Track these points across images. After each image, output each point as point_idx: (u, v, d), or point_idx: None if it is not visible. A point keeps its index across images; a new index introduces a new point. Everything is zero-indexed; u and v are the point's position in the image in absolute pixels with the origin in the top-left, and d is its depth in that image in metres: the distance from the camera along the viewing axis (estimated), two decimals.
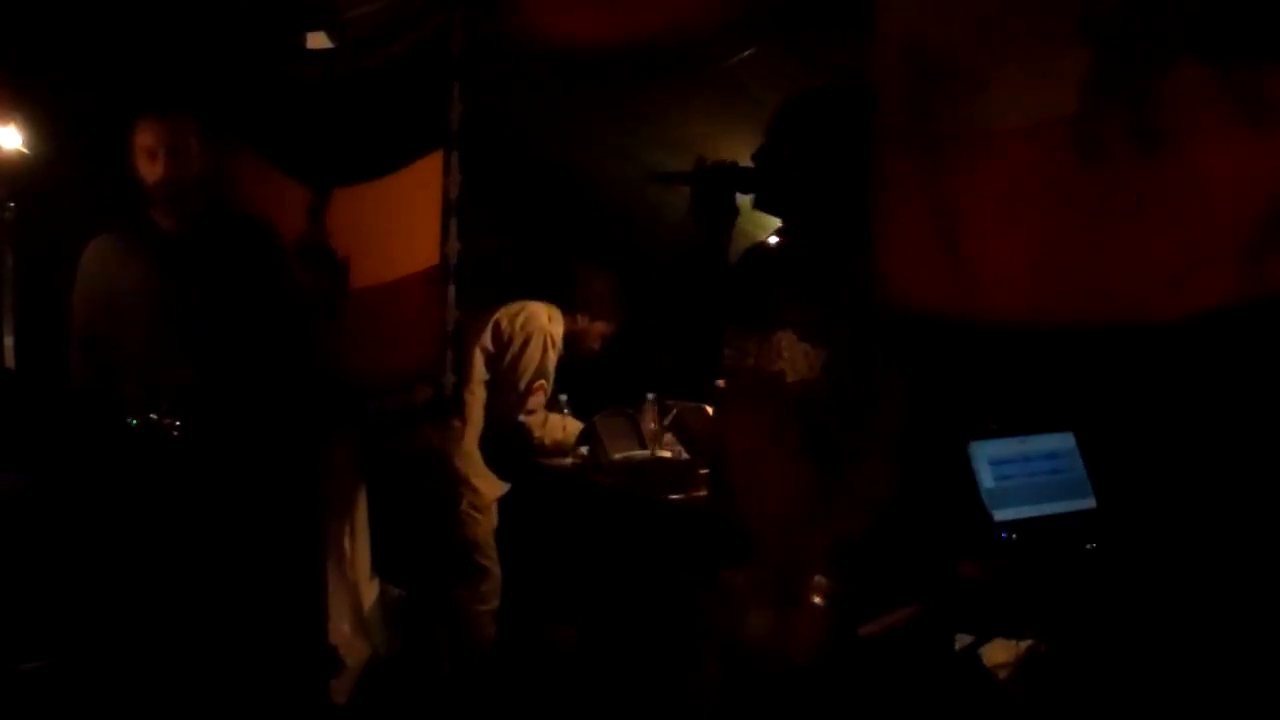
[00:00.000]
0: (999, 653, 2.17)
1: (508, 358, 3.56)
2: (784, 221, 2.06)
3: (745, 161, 2.02)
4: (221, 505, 2.62)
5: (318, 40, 3.41)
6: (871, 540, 1.79)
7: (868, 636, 1.79)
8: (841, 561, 1.79)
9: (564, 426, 3.73)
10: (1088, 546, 2.21)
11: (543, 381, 3.62)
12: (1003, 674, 2.15)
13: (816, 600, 1.78)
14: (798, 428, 1.87)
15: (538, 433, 3.63)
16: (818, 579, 1.79)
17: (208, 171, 2.66)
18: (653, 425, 3.72)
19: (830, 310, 1.86)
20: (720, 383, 2.16)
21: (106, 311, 2.68)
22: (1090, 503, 2.32)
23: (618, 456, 3.53)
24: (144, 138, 2.62)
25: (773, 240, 2.15)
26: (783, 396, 1.89)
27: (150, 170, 2.62)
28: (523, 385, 3.56)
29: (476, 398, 3.51)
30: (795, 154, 1.94)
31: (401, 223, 2.89)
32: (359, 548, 3.52)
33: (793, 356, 1.88)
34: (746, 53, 2.99)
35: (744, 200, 2.03)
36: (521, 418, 3.58)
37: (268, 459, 2.73)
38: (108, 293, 2.68)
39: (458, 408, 2.92)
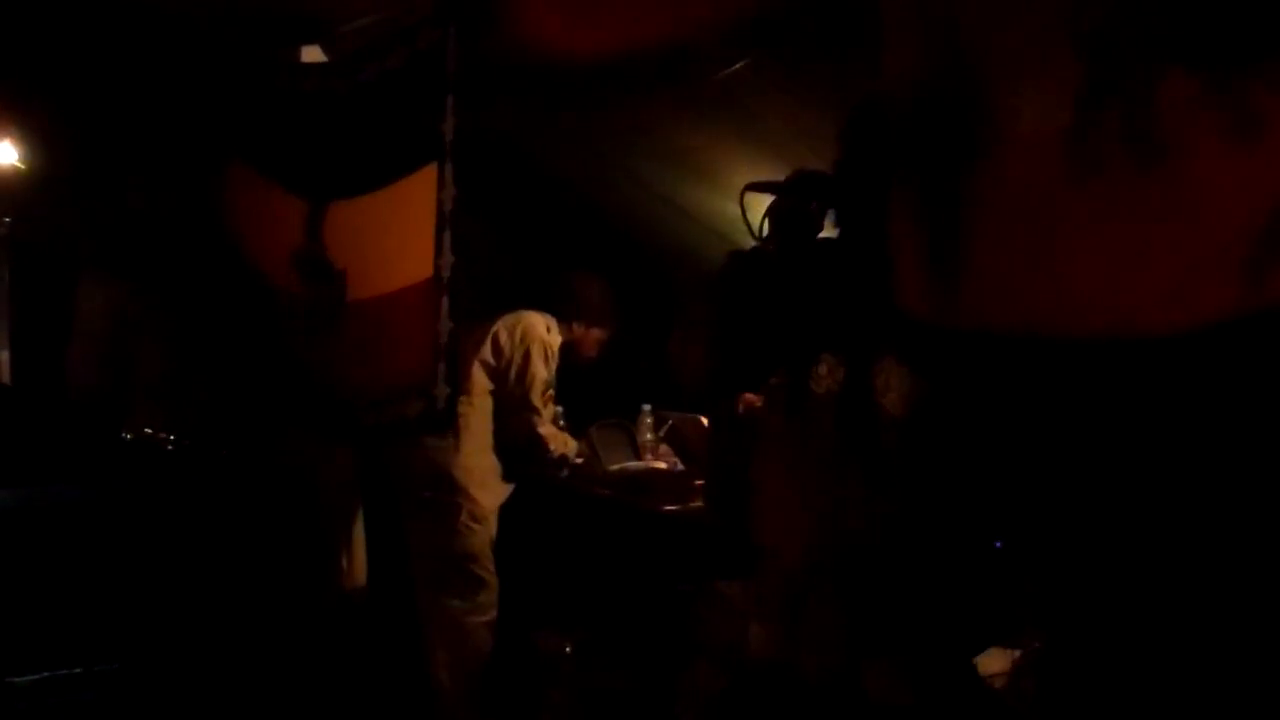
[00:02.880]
0: (994, 661, 2.17)
1: (513, 372, 3.58)
2: (860, 235, 1.94)
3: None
4: (217, 518, 2.62)
5: (313, 54, 3.43)
6: (886, 552, 1.77)
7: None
8: (857, 577, 1.76)
9: (567, 442, 3.75)
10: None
11: (551, 392, 3.64)
12: (998, 683, 2.15)
13: (833, 615, 1.76)
14: (897, 460, 1.77)
15: (554, 445, 3.64)
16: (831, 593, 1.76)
17: None
18: (648, 436, 3.73)
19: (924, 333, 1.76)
20: (750, 401, 2.06)
21: None
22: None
23: (613, 468, 3.54)
24: None
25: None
26: (884, 430, 1.77)
27: None
28: (535, 398, 3.57)
29: (477, 409, 3.51)
30: (873, 160, 1.79)
31: (396, 236, 2.89)
32: (355, 559, 3.52)
33: (900, 386, 1.76)
34: (739, 65, 3.00)
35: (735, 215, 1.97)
36: (540, 430, 3.59)
37: (264, 472, 2.74)
38: None
39: (451, 420, 2.92)
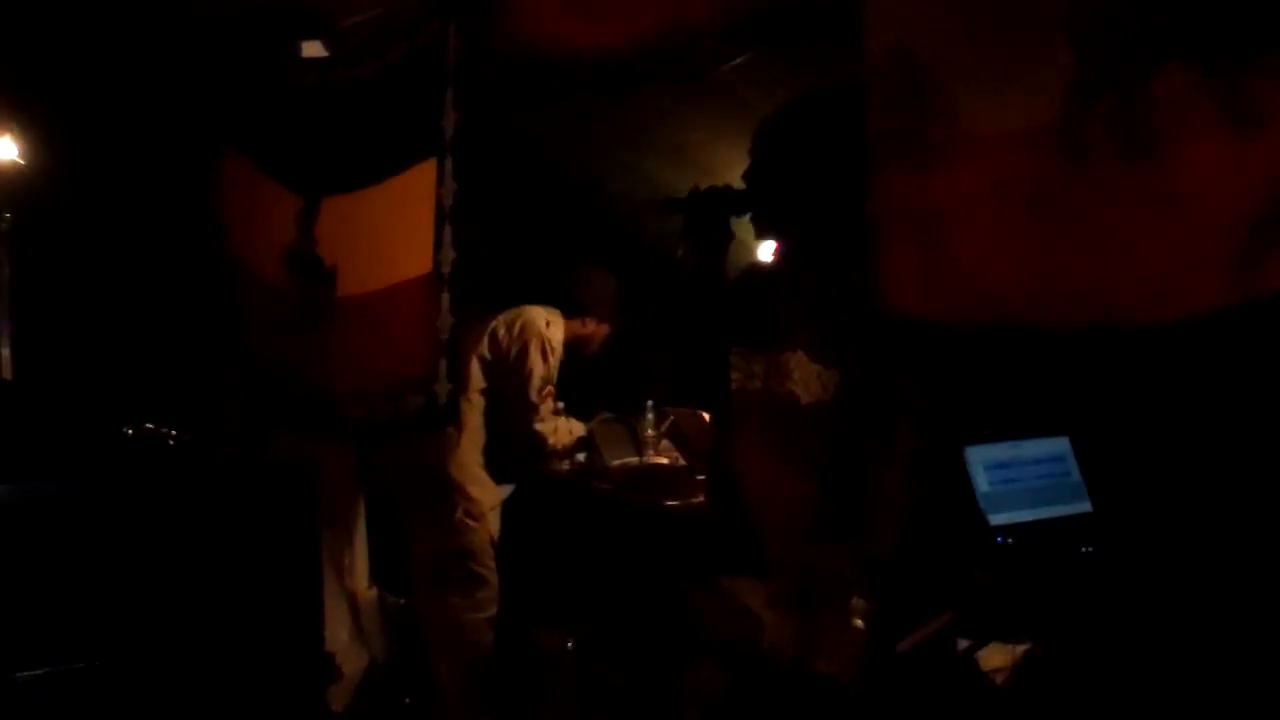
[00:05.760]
0: (995, 657, 2.16)
1: (510, 366, 3.57)
2: (781, 240, 2.04)
3: (738, 181, 1.98)
4: (217, 514, 2.62)
5: (313, 49, 3.42)
6: (901, 555, 1.78)
7: (904, 652, 1.78)
8: (876, 580, 1.77)
9: (570, 430, 3.74)
10: (1084, 550, 2.21)
11: (551, 388, 3.62)
12: (999, 678, 2.15)
13: (857, 623, 1.76)
14: (812, 447, 1.85)
15: (551, 440, 3.63)
16: (855, 601, 1.76)
17: None
18: (650, 432, 3.72)
19: (840, 328, 1.83)
20: (723, 402, 2.12)
21: None
22: (1086, 506, 2.32)
23: (615, 463, 3.54)
24: None
25: (768, 258, 2.14)
26: (796, 418, 1.86)
27: None
28: (533, 394, 3.56)
29: (474, 406, 3.50)
30: (785, 169, 1.90)
31: (394, 230, 2.89)
32: (357, 556, 3.52)
33: (805, 378, 1.85)
34: (739, 60, 2.99)
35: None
36: (536, 426, 3.58)
37: (264, 467, 2.73)
38: None
39: (453, 417, 2.91)
